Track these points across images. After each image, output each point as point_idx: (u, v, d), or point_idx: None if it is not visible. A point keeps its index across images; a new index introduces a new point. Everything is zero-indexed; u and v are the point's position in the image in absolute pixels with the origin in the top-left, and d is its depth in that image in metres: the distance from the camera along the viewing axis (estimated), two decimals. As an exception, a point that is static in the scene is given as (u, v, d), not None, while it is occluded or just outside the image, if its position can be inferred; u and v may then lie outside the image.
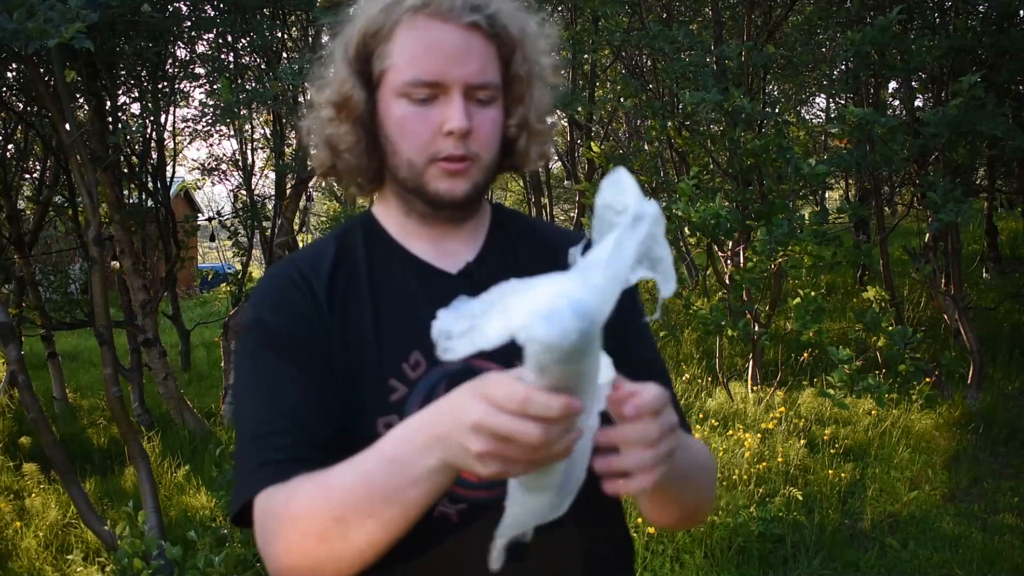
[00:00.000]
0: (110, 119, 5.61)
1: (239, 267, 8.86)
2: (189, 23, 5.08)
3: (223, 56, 6.00)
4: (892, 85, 7.35)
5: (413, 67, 0.94)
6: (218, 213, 10.63)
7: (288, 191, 6.23)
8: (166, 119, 7.15)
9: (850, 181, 11.38)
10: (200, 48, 5.99)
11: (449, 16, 0.93)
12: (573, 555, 1.00)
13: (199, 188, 13.62)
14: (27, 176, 7.42)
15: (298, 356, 0.95)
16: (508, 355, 0.96)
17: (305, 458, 0.89)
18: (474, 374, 0.92)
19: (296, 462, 0.88)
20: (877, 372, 4.56)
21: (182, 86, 6.57)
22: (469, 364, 0.97)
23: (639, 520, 3.65)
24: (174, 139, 8.08)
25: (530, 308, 0.64)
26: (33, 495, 4.54)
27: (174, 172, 7.88)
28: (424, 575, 0.95)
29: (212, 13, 5.01)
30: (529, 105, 1.02)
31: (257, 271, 9.98)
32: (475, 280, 1.02)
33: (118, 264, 6.03)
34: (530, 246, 1.09)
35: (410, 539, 0.89)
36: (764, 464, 4.34)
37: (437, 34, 0.94)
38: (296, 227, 7.43)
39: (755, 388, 5.79)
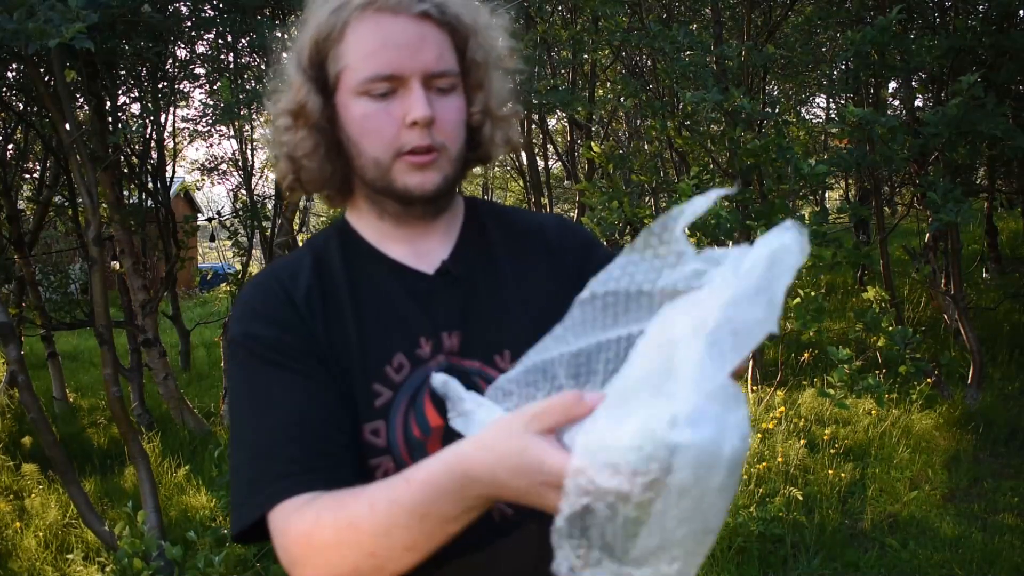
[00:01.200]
0: (110, 119, 5.61)
1: (239, 267, 8.87)
2: (189, 23, 5.08)
3: (223, 56, 6.00)
4: (892, 85, 7.36)
5: (369, 63, 0.93)
6: (218, 213, 10.63)
7: (288, 191, 6.22)
8: (166, 119, 7.16)
9: (850, 181, 11.38)
10: (200, 48, 6.00)
11: (399, 8, 0.93)
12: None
13: (199, 188, 13.62)
14: (27, 176, 7.42)
15: (298, 365, 0.94)
16: (490, 354, 0.97)
17: (318, 468, 0.87)
18: (460, 373, 0.94)
19: (310, 473, 0.86)
20: (877, 372, 4.57)
21: (182, 86, 6.57)
22: (453, 363, 0.97)
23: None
24: (174, 139, 8.08)
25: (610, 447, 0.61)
26: (33, 495, 4.53)
27: (174, 172, 7.88)
28: None
29: (212, 13, 5.01)
30: (489, 91, 1.02)
31: (257, 271, 9.97)
32: (452, 278, 1.02)
33: (118, 264, 6.03)
34: (505, 237, 1.08)
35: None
36: (764, 464, 4.34)
37: (389, 27, 0.93)
38: (296, 227, 7.43)
39: (755, 388, 5.80)
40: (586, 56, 6.98)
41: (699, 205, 0.71)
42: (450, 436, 0.90)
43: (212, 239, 14.17)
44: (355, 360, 0.96)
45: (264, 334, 0.95)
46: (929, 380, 5.42)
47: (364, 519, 0.79)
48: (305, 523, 0.82)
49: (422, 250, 1.04)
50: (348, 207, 1.07)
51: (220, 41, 5.78)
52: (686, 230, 0.73)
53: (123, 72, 5.85)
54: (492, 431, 0.72)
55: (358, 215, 1.06)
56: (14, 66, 5.25)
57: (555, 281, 1.05)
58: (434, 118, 0.94)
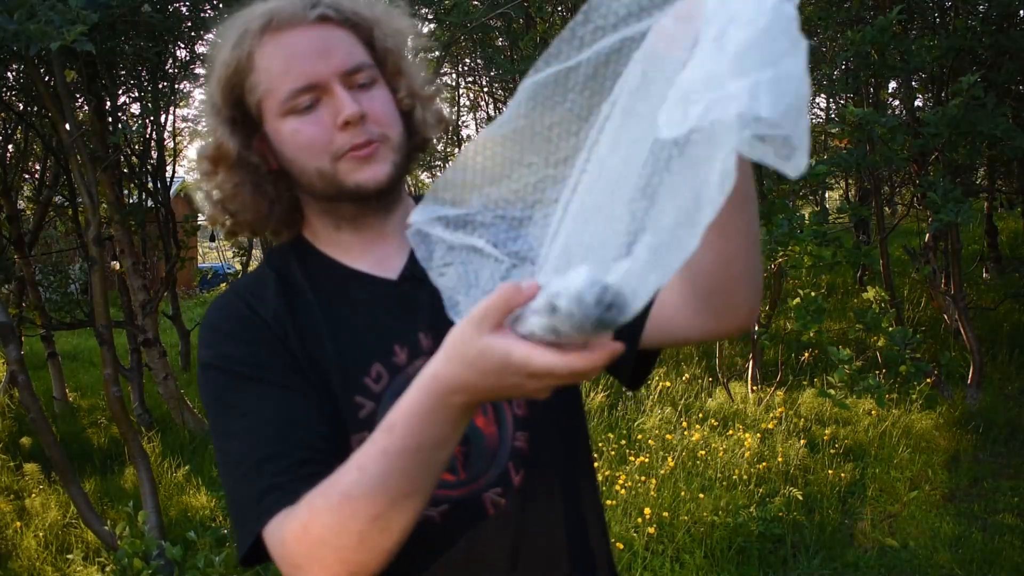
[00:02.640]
0: (110, 119, 5.61)
1: (239, 267, 8.87)
2: (189, 23, 5.08)
3: (223, 56, 5.99)
4: (892, 85, 7.35)
5: (284, 81, 0.93)
6: (218, 213, 10.63)
7: (288, 191, 6.22)
8: (166, 119, 7.15)
9: (850, 181, 11.38)
10: (200, 48, 6.00)
11: (294, 21, 0.93)
12: (554, 525, 1.01)
13: (199, 188, 13.61)
14: (27, 176, 7.42)
15: (273, 377, 0.92)
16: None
17: (305, 475, 0.84)
18: None
19: (299, 481, 0.84)
20: (877, 372, 4.57)
21: (182, 86, 6.57)
22: (422, 368, 0.96)
23: (639, 520, 3.65)
24: (174, 139, 8.08)
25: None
26: (33, 495, 4.53)
27: (174, 172, 7.87)
28: None
29: (212, 13, 5.01)
30: (409, 74, 1.02)
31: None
32: (416, 281, 1.00)
33: (118, 264, 6.03)
34: None
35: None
36: (764, 464, 4.34)
37: (292, 41, 0.93)
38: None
39: (755, 388, 5.80)
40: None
41: None
42: None
43: (212, 239, 14.16)
44: (333, 374, 0.96)
45: (235, 352, 0.94)
46: (929, 380, 5.42)
47: (357, 484, 0.76)
48: (299, 519, 0.80)
49: (382, 255, 1.03)
50: (304, 230, 1.06)
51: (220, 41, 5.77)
52: None
53: (123, 72, 5.85)
54: (450, 343, 0.71)
55: (313, 232, 1.05)
56: (14, 66, 5.25)
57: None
58: (364, 112, 0.93)
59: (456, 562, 0.96)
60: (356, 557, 0.78)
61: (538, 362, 0.65)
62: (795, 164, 0.57)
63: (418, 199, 1.08)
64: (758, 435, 4.71)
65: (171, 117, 7.54)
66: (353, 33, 0.96)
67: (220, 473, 0.93)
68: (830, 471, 4.36)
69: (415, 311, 0.99)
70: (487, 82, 10.77)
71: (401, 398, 0.75)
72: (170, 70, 6.01)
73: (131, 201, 6.55)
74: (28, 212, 7.67)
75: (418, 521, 0.87)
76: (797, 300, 4.24)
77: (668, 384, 5.79)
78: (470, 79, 11.28)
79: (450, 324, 0.91)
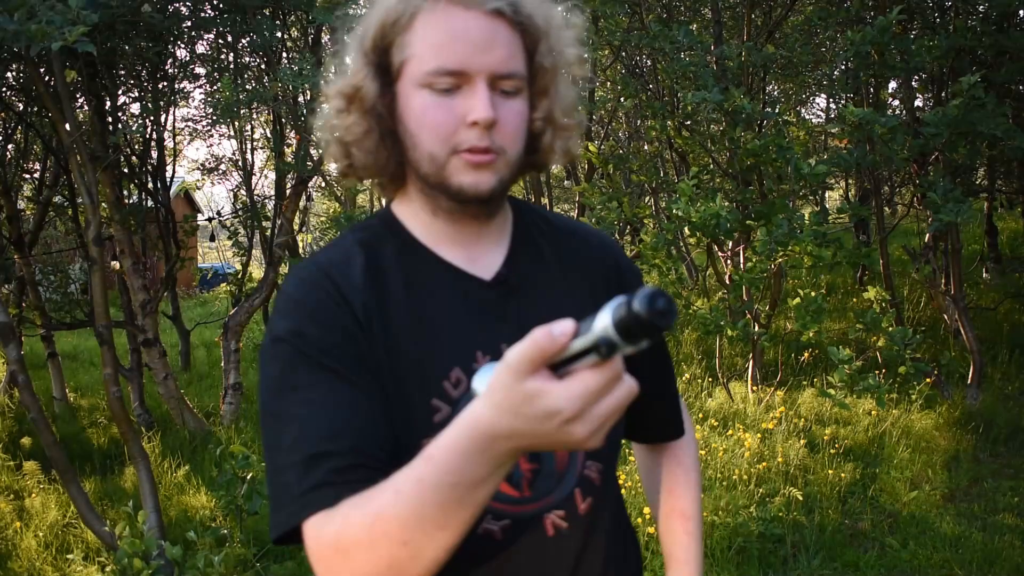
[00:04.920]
0: (110, 119, 5.61)
1: (239, 267, 8.87)
2: (189, 23, 5.08)
3: (223, 56, 6.00)
4: (892, 85, 7.35)
5: (436, 56, 0.90)
6: (218, 213, 10.63)
7: (288, 191, 6.23)
8: (166, 119, 7.15)
9: (850, 181, 11.38)
10: (200, 48, 6.00)
11: (471, 3, 0.89)
12: (610, 558, 1.02)
13: (199, 188, 13.62)
14: (27, 176, 7.41)
15: (346, 371, 0.89)
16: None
17: (356, 480, 0.83)
18: None
19: (348, 485, 0.82)
20: (877, 372, 4.56)
21: (182, 86, 6.57)
22: None
23: (639, 520, 3.65)
24: (174, 139, 8.08)
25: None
26: (33, 495, 4.53)
27: (174, 172, 7.88)
28: None
29: (212, 13, 5.01)
30: (554, 98, 0.98)
31: (257, 271, 9.99)
32: (508, 287, 0.99)
33: (118, 264, 6.02)
34: (552, 245, 1.06)
35: (454, 556, 0.85)
36: (764, 464, 4.34)
37: (460, 22, 0.89)
38: (296, 227, 7.43)
39: (755, 388, 5.80)
40: (586, 56, 6.97)
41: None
42: None
43: (212, 239, 14.16)
44: (412, 372, 0.93)
45: (314, 334, 0.90)
46: (929, 380, 5.42)
47: (391, 507, 0.75)
48: (334, 526, 0.80)
49: (476, 254, 1.00)
50: (397, 198, 1.04)
51: (220, 41, 5.78)
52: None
53: (123, 72, 5.85)
54: (491, 387, 0.70)
55: (409, 209, 1.01)
56: (14, 66, 5.25)
57: (594, 298, 1.02)
58: (496, 120, 0.90)
59: None
60: (375, 571, 0.76)
61: (576, 388, 0.65)
62: None
63: (513, 201, 1.08)
64: (758, 435, 4.71)
65: (171, 117, 7.55)
66: (520, 37, 0.93)
67: (267, 446, 0.90)
68: (830, 471, 4.36)
69: (503, 319, 0.97)
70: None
71: (445, 431, 0.73)
72: (170, 70, 6.01)
73: (131, 201, 6.55)
74: (28, 212, 7.67)
75: (479, 533, 0.90)
76: (797, 300, 4.24)
77: (668, 384, 5.78)
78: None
79: None
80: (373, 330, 0.92)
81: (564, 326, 0.66)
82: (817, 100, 11.78)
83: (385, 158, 0.98)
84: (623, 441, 1.14)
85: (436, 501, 0.73)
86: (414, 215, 1.00)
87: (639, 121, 9.66)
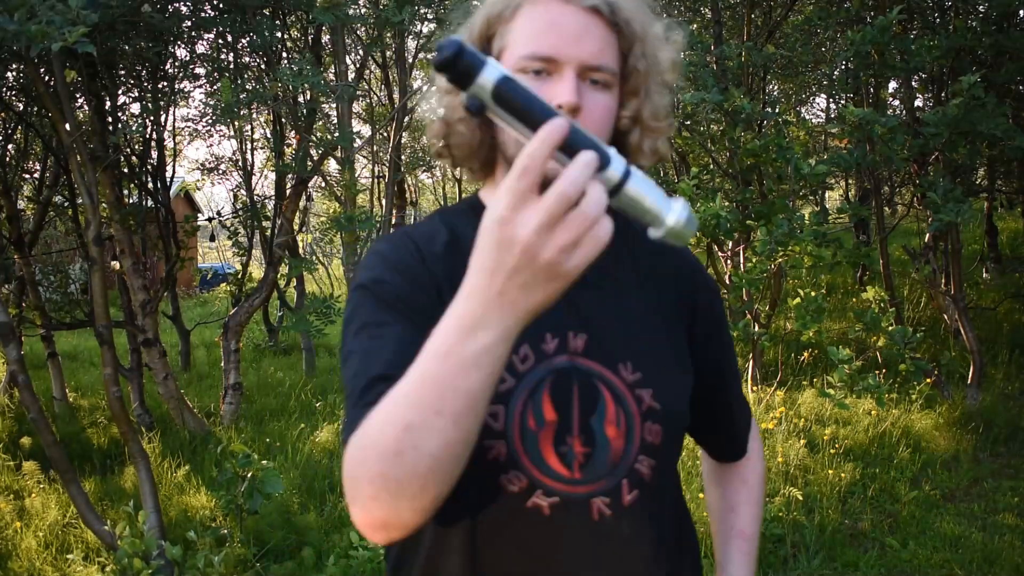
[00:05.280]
0: (110, 119, 5.61)
1: (239, 267, 8.87)
2: (189, 23, 5.08)
3: (223, 56, 6.00)
4: (892, 85, 7.35)
5: (530, 42, 0.95)
6: (218, 213, 10.63)
7: (288, 191, 6.23)
8: (166, 119, 7.15)
9: (850, 181, 11.38)
10: (200, 48, 6.00)
11: None
12: (653, 554, 1.04)
13: (199, 188, 13.62)
14: (27, 176, 7.41)
15: (415, 317, 0.92)
16: (614, 361, 1.00)
17: None
18: (583, 373, 0.98)
19: None
20: (877, 372, 4.57)
21: (182, 86, 6.57)
22: (577, 363, 0.99)
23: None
24: (174, 139, 8.08)
25: None
26: (33, 495, 4.53)
27: (174, 172, 7.88)
28: (512, 563, 0.98)
29: (212, 13, 5.01)
30: (644, 100, 1.01)
31: (257, 271, 9.99)
32: (582, 280, 0.96)
33: (118, 264, 6.02)
34: (637, 246, 1.09)
35: (501, 523, 0.96)
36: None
37: (557, 14, 0.95)
38: (296, 227, 7.43)
39: (755, 388, 5.80)
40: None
41: None
42: (561, 431, 0.97)
43: (212, 239, 14.16)
44: None
45: (391, 281, 0.97)
46: (929, 380, 5.42)
47: (396, 391, 0.77)
48: (359, 430, 0.80)
49: None
50: (486, 185, 1.09)
51: (220, 41, 5.78)
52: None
53: (123, 72, 5.85)
54: (476, 251, 0.74)
55: (495, 195, 1.04)
56: (14, 66, 5.25)
57: (660, 303, 1.07)
58: (580, 107, 0.94)
59: (556, 555, 0.98)
60: (395, 469, 0.75)
61: (529, 212, 0.68)
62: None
63: None
64: (758, 435, 4.71)
65: (171, 117, 7.55)
66: (616, 37, 0.97)
67: (344, 384, 0.96)
68: (830, 471, 4.36)
69: (572, 307, 1.01)
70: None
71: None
72: (170, 70, 6.01)
73: (131, 201, 6.54)
74: (28, 212, 7.66)
75: (528, 507, 0.95)
76: (797, 300, 4.24)
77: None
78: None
79: (604, 335, 1.00)
80: (444, 299, 0.90)
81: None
82: (817, 100, 11.78)
83: (479, 140, 1.02)
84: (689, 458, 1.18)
85: (432, 379, 0.74)
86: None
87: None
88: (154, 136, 6.60)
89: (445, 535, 1.01)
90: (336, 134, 4.70)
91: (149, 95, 6.01)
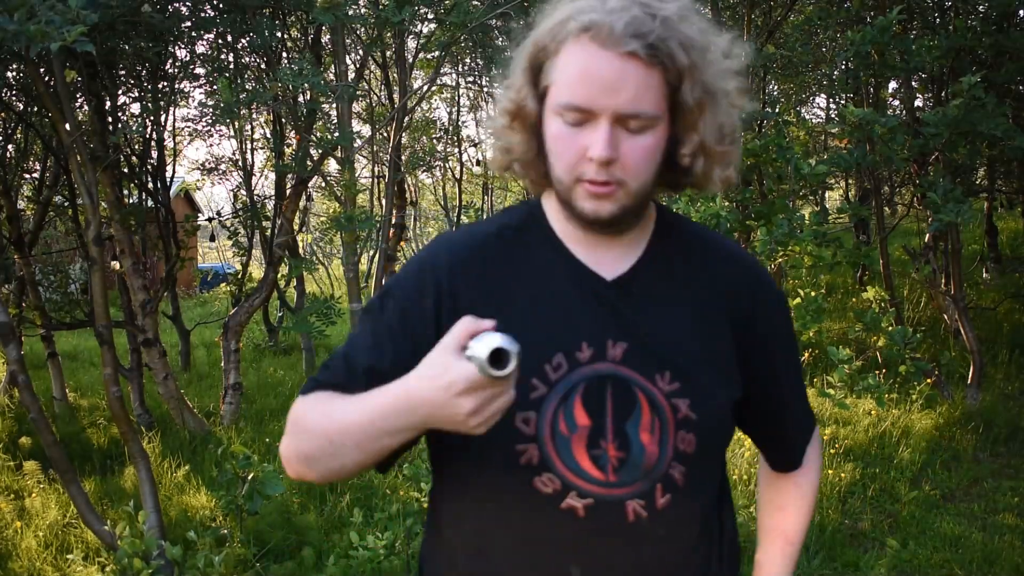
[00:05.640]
0: (110, 119, 5.60)
1: (239, 267, 8.86)
2: (189, 23, 5.08)
3: (223, 56, 6.00)
4: (892, 85, 7.35)
5: (567, 91, 0.96)
6: (218, 213, 10.63)
7: (288, 191, 6.22)
8: (166, 119, 7.15)
9: (850, 181, 11.38)
10: (200, 48, 5.99)
11: (608, 43, 0.93)
12: (687, 557, 1.08)
13: (199, 188, 13.61)
14: (27, 176, 7.41)
15: (396, 337, 1.05)
16: (651, 371, 1.03)
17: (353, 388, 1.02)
18: (621, 380, 1.02)
19: (341, 387, 1.02)
20: (877, 372, 4.56)
21: (182, 86, 6.56)
22: (616, 370, 1.02)
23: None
24: (174, 139, 8.08)
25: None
26: (33, 495, 4.53)
27: (174, 172, 7.87)
28: (544, 560, 1.03)
29: (212, 13, 5.01)
30: (704, 131, 1.01)
31: (257, 271, 9.99)
32: (626, 290, 1.06)
33: (118, 264, 6.02)
34: (692, 259, 1.11)
35: (536, 524, 1.01)
36: (764, 464, 4.34)
37: (593, 62, 0.94)
38: (296, 227, 7.43)
39: (755, 388, 5.79)
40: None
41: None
42: (595, 436, 1.01)
43: (212, 239, 14.16)
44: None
45: (399, 296, 1.08)
46: (929, 380, 5.42)
47: (339, 412, 0.97)
48: (307, 403, 1.02)
49: (605, 256, 1.07)
50: (546, 193, 1.12)
51: (220, 41, 5.78)
52: None
53: (123, 72, 5.85)
54: (427, 360, 0.88)
55: (553, 205, 1.10)
56: (14, 66, 5.25)
57: (707, 322, 1.08)
58: (614, 158, 0.96)
59: (588, 554, 1.02)
60: (313, 453, 0.99)
61: (471, 370, 0.83)
62: None
63: (662, 211, 1.13)
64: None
65: (171, 117, 7.54)
66: (660, 76, 0.95)
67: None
68: (830, 471, 4.36)
69: (615, 316, 1.04)
70: (487, 82, 10.77)
71: (401, 379, 0.91)
72: (170, 70, 6.01)
73: (131, 201, 6.54)
74: (28, 212, 7.66)
75: (562, 509, 1.00)
76: (797, 300, 4.24)
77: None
78: (470, 79, 11.27)
79: (644, 344, 1.04)
80: (477, 312, 1.02)
81: (488, 323, 0.85)
82: (817, 100, 11.77)
83: (539, 167, 1.07)
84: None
85: (363, 428, 0.93)
86: (556, 211, 1.10)
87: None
88: (154, 136, 6.60)
89: (484, 535, 1.06)
90: (336, 134, 4.69)
91: (149, 95, 6.01)
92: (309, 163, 5.27)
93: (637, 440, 1.01)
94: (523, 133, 1.04)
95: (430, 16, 5.54)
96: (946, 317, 6.85)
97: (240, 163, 8.52)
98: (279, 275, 6.70)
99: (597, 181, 0.97)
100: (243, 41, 5.61)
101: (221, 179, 9.78)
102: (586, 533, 1.01)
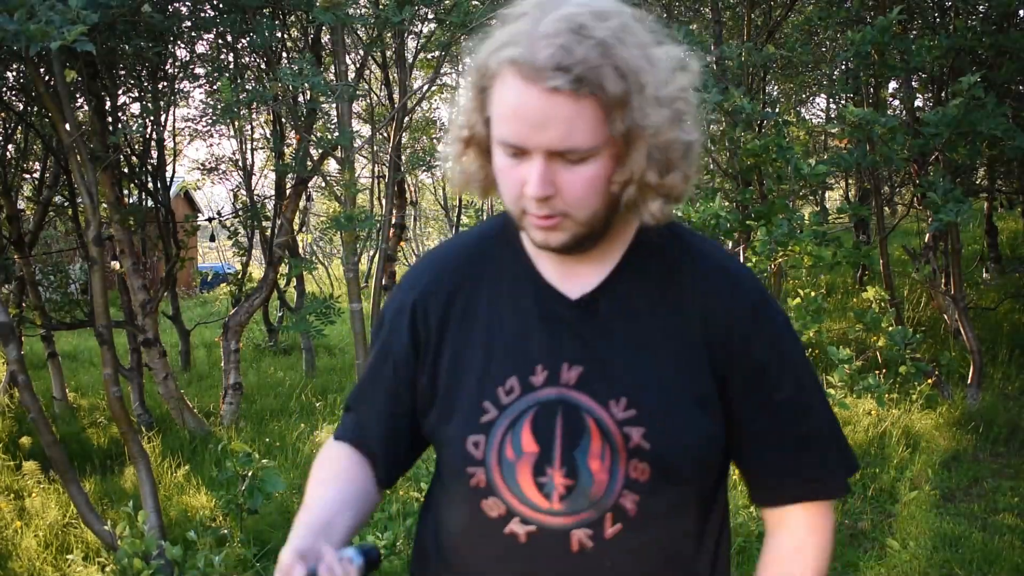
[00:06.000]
0: (110, 119, 5.60)
1: (239, 267, 8.86)
2: (189, 23, 5.08)
3: (223, 56, 6.00)
4: (892, 85, 7.35)
5: (502, 126, 0.93)
6: (218, 213, 10.63)
7: (288, 191, 6.22)
8: (166, 119, 7.15)
9: (850, 181, 11.38)
10: (200, 48, 6.00)
11: (534, 78, 0.87)
12: (637, 552, 1.02)
13: (199, 188, 13.61)
14: (27, 176, 7.41)
15: (383, 371, 1.11)
16: (606, 397, 1.00)
17: (370, 438, 1.14)
18: (572, 406, 0.99)
19: (363, 441, 1.14)
20: (877, 372, 4.56)
21: (182, 86, 6.57)
22: (566, 395, 0.99)
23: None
24: (174, 139, 8.08)
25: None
26: (33, 495, 4.53)
27: (174, 172, 7.87)
28: None
29: (212, 13, 5.01)
30: (632, 164, 0.93)
31: (257, 271, 9.98)
32: (591, 311, 1.02)
33: (118, 264, 6.02)
34: (670, 276, 1.03)
35: (485, 546, 1.01)
36: (764, 464, 4.33)
37: (520, 99, 0.89)
38: (296, 227, 7.43)
39: (755, 388, 5.78)
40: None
41: None
42: (541, 462, 0.98)
43: (212, 239, 14.16)
44: (473, 373, 1.02)
45: (386, 329, 1.12)
46: (929, 380, 5.42)
47: (309, 487, 1.11)
48: (319, 457, 1.17)
49: (571, 271, 1.03)
50: None
51: (220, 41, 5.78)
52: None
53: (123, 72, 5.85)
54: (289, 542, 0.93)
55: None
56: (14, 66, 5.25)
57: (699, 350, 1.01)
58: (549, 194, 0.92)
59: None
60: None
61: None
62: None
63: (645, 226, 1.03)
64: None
65: (171, 117, 7.54)
66: (594, 103, 0.88)
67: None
68: (830, 471, 4.35)
69: (573, 339, 1.01)
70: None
71: (303, 517, 1.00)
72: (170, 70, 6.01)
73: (131, 201, 6.54)
74: (28, 212, 7.66)
75: (504, 533, 0.99)
76: (797, 300, 4.24)
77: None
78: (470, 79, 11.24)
79: (602, 368, 0.99)
80: (447, 334, 1.06)
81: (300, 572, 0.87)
82: (817, 100, 11.77)
83: (496, 188, 1.03)
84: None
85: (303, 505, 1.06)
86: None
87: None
88: (154, 136, 6.60)
89: (446, 548, 1.08)
90: (336, 134, 4.69)
91: (149, 95, 6.01)
92: (309, 163, 5.27)
93: (585, 468, 0.98)
94: (478, 159, 1.01)
95: (430, 16, 5.53)
96: (946, 317, 6.85)
97: (240, 163, 8.52)
98: (279, 275, 6.70)
99: (539, 215, 0.94)
100: (243, 41, 5.61)
101: (221, 179, 9.76)
102: (528, 560, 0.99)
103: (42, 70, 4.45)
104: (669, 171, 0.95)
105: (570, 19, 0.87)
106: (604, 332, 1.01)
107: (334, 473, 1.10)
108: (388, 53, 7.21)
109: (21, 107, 6.17)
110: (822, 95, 10.81)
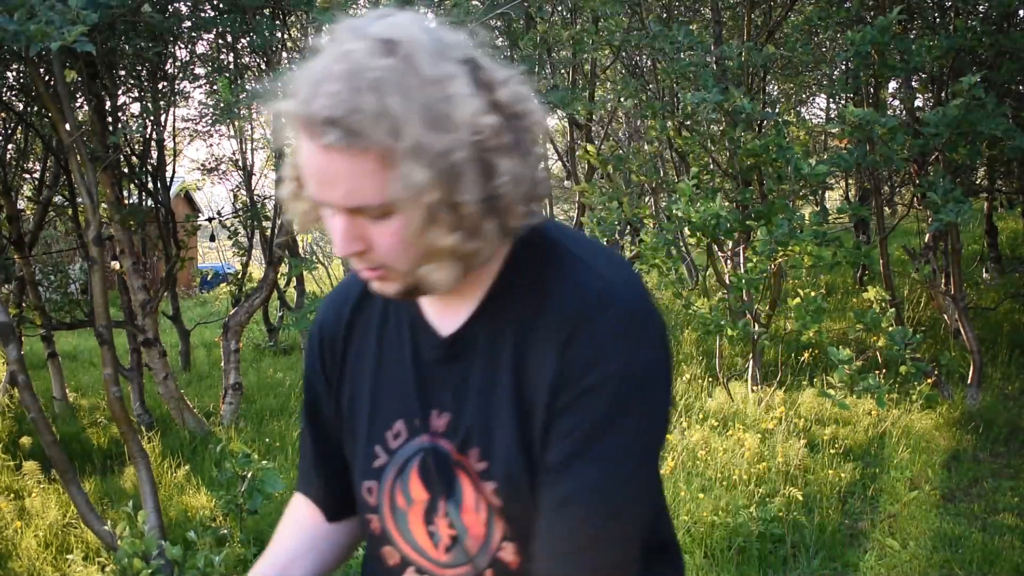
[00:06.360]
0: (110, 119, 5.61)
1: (239, 267, 8.87)
2: (189, 23, 5.08)
3: (223, 56, 6.00)
4: (892, 85, 7.35)
5: (306, 180, 0.84)
6: (218, 213, 10.63)
7: (288, 191, 6.22)
8: (166, 119, 7.15)
9: (850, 181, 11.38)
10: (200, 48, 6.00)
11: (312, 133, 0.78)
12: None
13: (199, 188, 13.61)
14: (27, 176, 7.41)
15: (309, 415, 1.11)
16: (465, 447, 0.92)
17: (314, 482, 1.13)
18: (442, 456, 0.93)
19: (310, 485, 1.13)
20: (877, 372, 4.57)
21: (182, 86, 6.57)
22: (438, 444, 0.93)
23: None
24: (174, 139, 8.08)
25: None
26: (33, 495, 4.53)
27: (174, 172, 7.88)
28: None
29: (212, 13, 5.01)
30: (407, 225, 0.81)
31: (257, 271, 9.99)
32: (454, 351, 0.94)
33: (118, 264, 6.03)
34: (526, 312, 0.89)
35: None
36: (764, 464, 4.34)
37: (306, 155, 0.81)
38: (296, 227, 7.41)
39: (755, 388, 5.80)
40: (586, 56, 6.97)
41: None
42: (432, 509, 0.93)
43: (212, 239, 14.16)
44: (364, 416, 1.00)
45: (306, 371, 1.12)
46: (929, 380, 5.42)
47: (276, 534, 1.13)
48: (289, 506, 1.15)
49: (448, 305, 0.94)
50: None
51: (220, 41, 5.78)
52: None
53: (123, 72, 5.85)
54: None
55: None
56: (14, 66, 5.26)
57: (544, 394, 0.87)
58: (355, 251, 0.84)
59: None
60: None
61: None
62: None
63: (518, 247, 0.90)
64: (758, 435, 4.70)
65: (171, 117, 7.55)
66: (373, 158, 0.77)
67: None
68: (830, 471, 4.36)
69: (442, 384, 0.94)
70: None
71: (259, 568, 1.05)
72: (170, 70, 6.01)
73: (131, 201, 6.54)
74: (28, 212, 7.66)
75: None
76: (797, 300, 4.24)
77: (668, 384, 5.77)
78: (470, 79, 11.24)
79: (463, 416, 0.93)
80: (345, 368, 1.05)
81: None
82: (817, 100, 11.78)
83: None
84: None
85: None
86: None
87: (639, 121, 9.65)
88: (154, 136, 6.60)
89: None
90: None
91: (149, 95, 6.01)
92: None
93: (459, 521, 0.92)
94: (309, 201, 0.88)
95: (430, 16, 5.53)
96: (946, 317, 6.85)
97: (240, 163, 8.53)
98: (279, 275, 6.70)
99: (363, 269, 0.86)
100: (243, 41, 5.62)
101: (221, 179, 9.78)
102: None
103: (42, 70, 4.45)
104: (440, 237, 0.81)
105: (348, 58, 0.77)
106: (464, 376, 0.93)
107: (292, 520, 1.13)
108: (388, 53, 7.21)
109: (21, 107, 6.17)
110: (822, 95, 10.82)
